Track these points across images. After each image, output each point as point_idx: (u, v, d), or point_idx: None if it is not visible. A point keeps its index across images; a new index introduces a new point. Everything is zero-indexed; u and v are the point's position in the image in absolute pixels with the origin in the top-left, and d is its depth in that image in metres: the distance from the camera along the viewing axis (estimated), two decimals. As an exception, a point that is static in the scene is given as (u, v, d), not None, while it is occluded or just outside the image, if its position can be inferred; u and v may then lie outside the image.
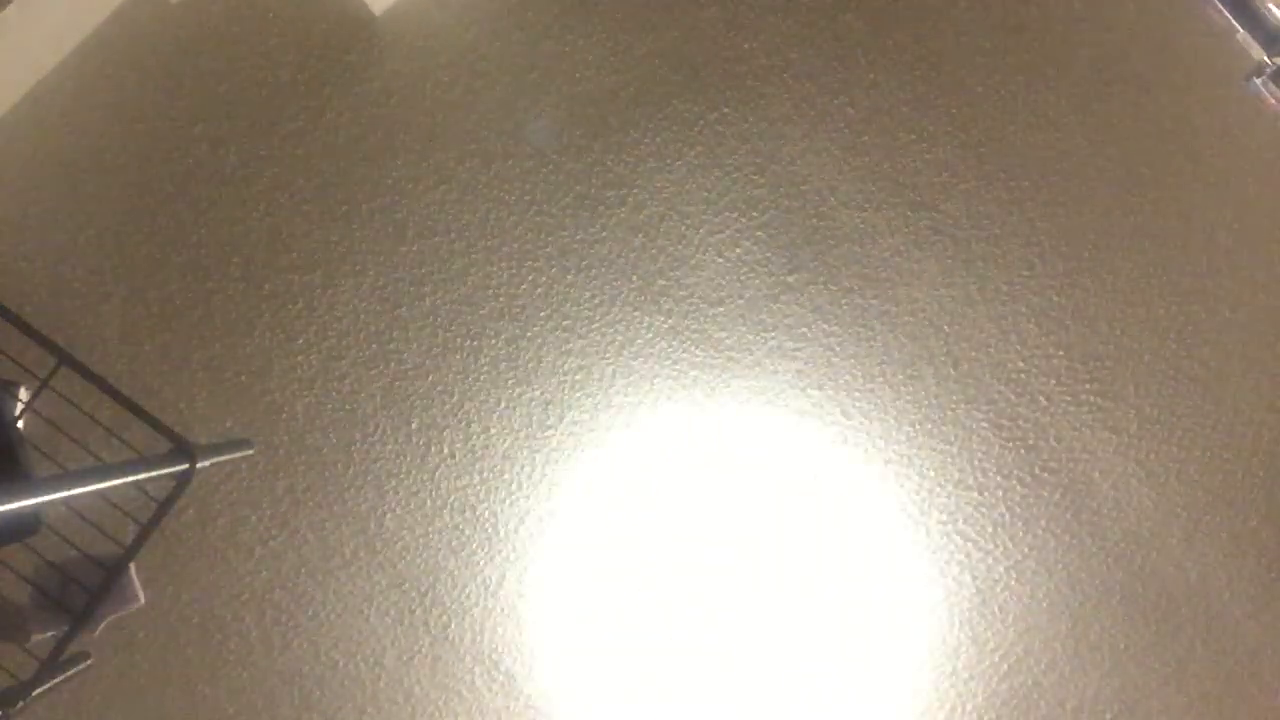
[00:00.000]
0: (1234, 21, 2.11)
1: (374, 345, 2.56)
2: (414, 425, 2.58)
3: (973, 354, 2.64)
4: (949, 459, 2.65)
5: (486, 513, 2.61)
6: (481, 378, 2.58)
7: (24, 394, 2.02)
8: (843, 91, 2.61)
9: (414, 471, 2.59)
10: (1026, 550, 2.69)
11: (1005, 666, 2.72)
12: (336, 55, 2.52)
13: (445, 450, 2.59)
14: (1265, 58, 2.14)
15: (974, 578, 2.69)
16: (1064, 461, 2.66)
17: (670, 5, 2.58)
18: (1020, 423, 2.65)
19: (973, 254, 2.63)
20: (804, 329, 2.62)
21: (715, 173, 2.60)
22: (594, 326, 2.60)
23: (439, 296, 2.56)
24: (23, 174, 2.45)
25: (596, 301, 2.59)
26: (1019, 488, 2.67)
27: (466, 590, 2.62)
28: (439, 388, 2.58)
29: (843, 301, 2.62)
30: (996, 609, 2.70)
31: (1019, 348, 2.64)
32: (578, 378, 2.60)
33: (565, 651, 2.67)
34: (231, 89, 2.50)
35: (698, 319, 2.61)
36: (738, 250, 2.61)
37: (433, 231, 2.56)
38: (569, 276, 2.59)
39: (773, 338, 2.62)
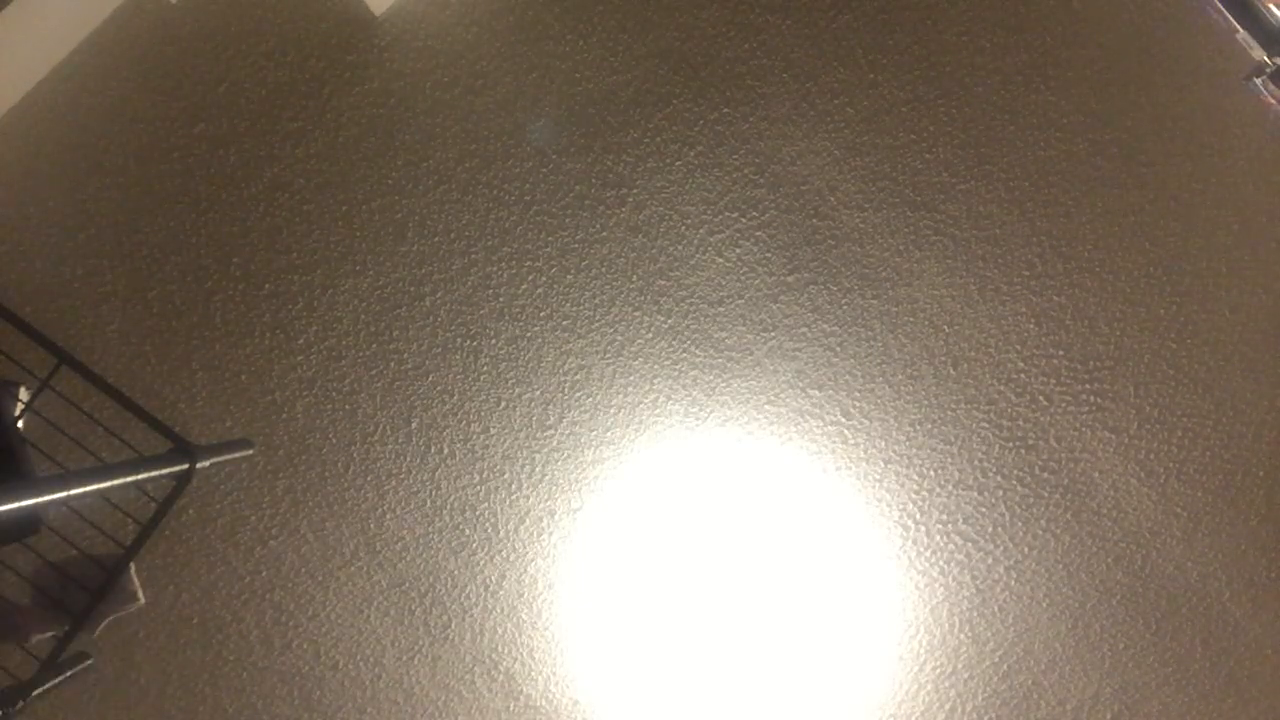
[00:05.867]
0: (1234, 21, 2.12)
1: (374, 345, 2.56)
2: (414, 425, 2.58)
3: (973, 354, 2.64)
4: (949, 459, 2.65)
5: (486, 513, 2.61)
6: (481, 378, 2.58)
7: (24, 394, 2.02)
8: (843, 91, 2.61)
9: (414, 471, 2.59)
10: (1026, 550, 2.69)
11: (1005, 666, 2.72)
12: (336, 55, 2.52)
13: (445, 450, 2.59)
14: (1265, 58, 2.15)
15: (974, 578, 2.69)
16: (1064, 461, 2.66)
17: (670, 5, 2.58)
18: (1020, 423, 2.65)
19: (973, 254, 2.63)
20: (804, 329, 2.62)
21: (715, 173, 2.60)
22: (594, 326, 2.60)
23: (439, 296, 2.56)
24: (23, 174, 2.45)
25: (596, 301, 2.59)
26: (1019, 488, 2.67)
27: (466, 590, 2.62)
28: (439, 388, 2.58)
29: (843, 301, 2.62)
30: (996, 609, 2.70)
31: (1019, 348, 2.64)
32: (578, 378, 2.60)
33: (566, 652, 2.67)
34: (231, 89, 2.50)
35: (698, 319, 2.61)
36: (738, 250, 2.61)
37: (433, 231, 2.56)
38: (569, 276, 2.59)
39: (773, 338, 2.62)
